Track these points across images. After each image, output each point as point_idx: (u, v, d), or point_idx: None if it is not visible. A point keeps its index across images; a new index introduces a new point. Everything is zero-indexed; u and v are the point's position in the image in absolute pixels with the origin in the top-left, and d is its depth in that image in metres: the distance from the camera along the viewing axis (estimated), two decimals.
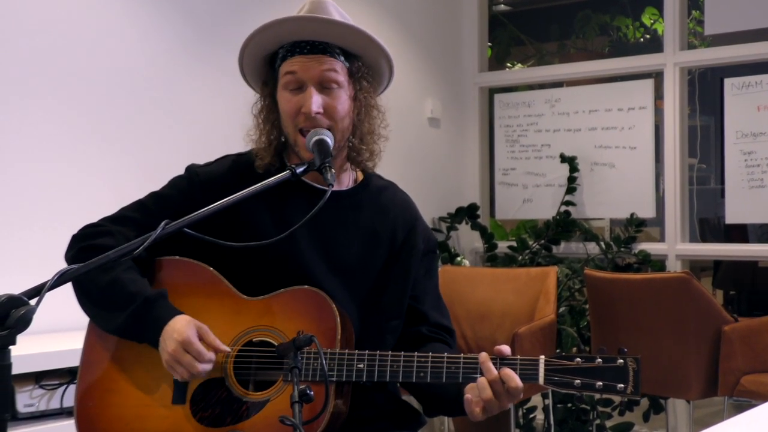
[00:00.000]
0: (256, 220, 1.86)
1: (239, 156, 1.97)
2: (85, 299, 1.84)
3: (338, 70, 1.86)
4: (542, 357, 1.65)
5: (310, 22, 1.84)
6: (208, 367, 1.72)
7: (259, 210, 1.87)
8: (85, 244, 1.84)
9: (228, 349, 1.76)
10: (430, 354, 1.71)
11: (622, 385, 1.61)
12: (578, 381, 1.62)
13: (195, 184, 1.90)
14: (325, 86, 1.84)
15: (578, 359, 1.63)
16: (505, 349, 1.69)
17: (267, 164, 1.88)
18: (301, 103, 1.82)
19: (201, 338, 1.74)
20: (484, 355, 1.67)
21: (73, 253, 1.85)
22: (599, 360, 1.62)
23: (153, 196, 1.93)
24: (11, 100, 3.08)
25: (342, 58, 1.87)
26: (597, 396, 1.64)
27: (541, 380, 1.64)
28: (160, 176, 2.00)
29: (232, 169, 1.92)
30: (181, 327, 1.73)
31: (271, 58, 1.91)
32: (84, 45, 3.30)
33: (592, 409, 4.35)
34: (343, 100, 1.86)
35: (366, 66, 1.92)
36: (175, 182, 1.95)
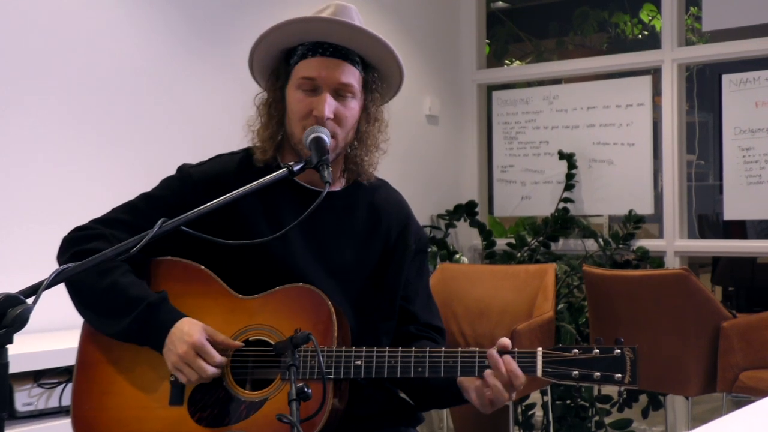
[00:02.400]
0: (250, 221, 1.86)
1: (232, 155, 1.96)
2: (82, 304, 1.82)
3: (355, 79, 1.86)
4: (540, 349, 1.65)
5: (339, 26, 1.83)
6: (217, 372, 1.72)
7: (253, 210, 1.86)
8: (78, 249, 1.81)
9: (240, 344, 1.75)
10: (428, 349, 1.71)
11: (619, 375, 1.61)
12: (576, 372, 1.63)
13: (187, 185, 1.89)
14: (340, 93, 1.84)
15: (575, 350, 1.64)
16: (505, 342, 1.69)
17: (268, 158, 1.87)
18: (314, 106, 1.82)
19: (211, 339, 1.73)
20: (492, 352, 1.68)
21: (66, 259, 1.82)
22: (596, 350, 1.63)
23: (144, 197, 1.91)
24: (10, 99, 3.07)
25: (360, 67, 1.88)
26: (595, 386, 1.65)
27: (539, 372, 1.64)
28: (158, 175, 1.99)
29: (226, 169, 1.91)
30: (190, 329, 1.72)
31: (287, 53, 1.90)
32: (81, 44, 3.30)
33: (591, 406, 4.36)
34: (353, 110, 1.87)
35: (380, 78, 1.93)
36: (166, 183, 1.93)
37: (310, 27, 1.84)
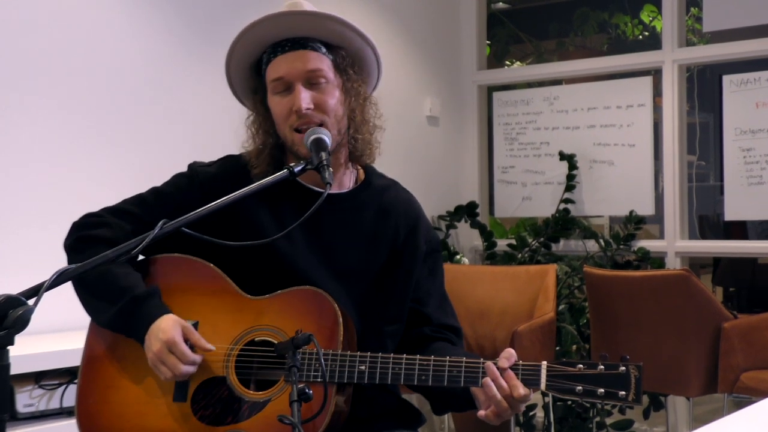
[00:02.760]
0: (254, 222, 1.86)
1: (241, 157, 1.96)
2: (79, 289, 1.85)
3: (323, 64, 1.85)
4: (544, 363, 1.65)
5: (281, 17, 1.83)
6: (191, 369, 1.73)
7: (257, 212, 1.86)
8: (83, 234, 1.85)
9: (212, 347, 1.75)
10: (432, 357, 1.70)
11: (623, 392, 1.60)
12: (580, 387, 1.62)
13: (195, 184, 1.90)
14: (312, 82, 1.83)
15: (580, 366, 1.63)
16: (510, 353, 1.69)
17: (262, 172, 1.87)
18: (292, 103, 1.82)
19: (186, 338, 1.73)
20: (491, 369, 1.67)
21: (71, 242, 1.88)
22: (601, 367, 1.62)
23: (153, 191, 1.93)
24: (10, 100, 3.08)
25: (324, 50, 1.86)
26: (599, 402, 1.64)
27: (542, 386, 1.63)
28: (158, 175, 2.00)
29: (233, 171, 1.91)
30: (166, 326, 1.73)
31: (257, 67, 1.91)
32: (82, 44, 3.30)
33: (592, 407, 4.36)
34: (332, 93, 1.85)
35: (350, 56, 1.91)
36: (176, 180, 1.95)
37: (261, 31, 1.85)
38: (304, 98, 1.81)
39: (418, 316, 1.95)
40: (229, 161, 1.96)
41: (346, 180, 1.95)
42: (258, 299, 1.82)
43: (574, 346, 4.35)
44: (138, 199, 1.93)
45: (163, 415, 1.77)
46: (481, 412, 1.69)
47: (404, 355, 1.71)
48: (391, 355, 1.72)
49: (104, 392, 1.81)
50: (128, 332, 1.79)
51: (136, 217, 1.87)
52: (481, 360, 1.69)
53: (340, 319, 1.75)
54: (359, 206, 1.93)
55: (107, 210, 1.92)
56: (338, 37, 1.87)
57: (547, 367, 1.64)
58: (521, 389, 1.63)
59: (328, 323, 1.75)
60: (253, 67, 1.92)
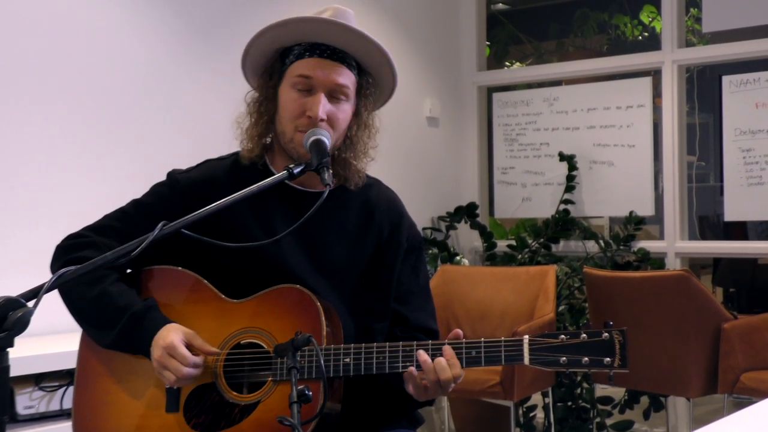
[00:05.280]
0: (240, 224, 1.86)
1: (221, 160, 1.96)
2: (75, 314, 1.84)
3: (350, 82, 1.86)
4: (526, 336, 1.62)
5: (338, 28, 1.82)
6: (194, 371, 1.72)
7: (244, 214, 1.86)
8: (71, 257, 1.82)
9: (217, 350, 1.76)
10: (415, 342, 1.70)
11: (608, 359, 1.58)
12: (564, 358, 1.59)
13: (176, 191, 1.89)
14: (334, 96, 1.83)
15: (563, 336, 1.60)
16: (456, 333, 1.69)
17: (254, 157, 1.87)
18: (308, 106, 1.81)
19: (189, 343, 1.74)
20: (448, 351, 1.67)
21: (59, 267, 1.81)
22: (584, 335, 1.59)
23: (134, 204, 1.92)
24: (10, 102, 3.08)
25: (355, 71, 1.87)
26: (585, 371, 1.61)
27: (526, 360, 1.61)
28: (158, 178, 1.99)
29: (214, 174, 1.91)
30: (166, 333, 1.74)
31: (282, 53, 1.89)
32: (82, 47, 3.30)
33: (593, 407, 4.36)
34: (346, 113, 1.86)
35: (373, 84, 1.92)
36: (155, 189, 1.94)
37: (308, 27, 1.84)
38: (323, 107, 1.81)
39: (395, 315, 1.95)
40: (209, 165, 1.95)
41: None
42: (239, 302, 1.82)
43: None
44: (120, 214, 1.91)
45: (158, 426, 1.77)
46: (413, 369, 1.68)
47: (387, 344, 1.71)
48: (374, 344, 1.71)
49: (99, 408, 1.82)
50: (133, 350, 1.79)
51: (120, 232, 1.85)
52: (464, 340, 1.67)
53: (322, 315, 1.74)
54: (343, 204, 1.93)
55: (89, 228, 1.90)
56: (372, 63, 1.89)
57: (529, 340, 1.61)
58: (449, 371, 1.63)
59: (310, 319, 1.75)
60: (279, 52, 1.89)
